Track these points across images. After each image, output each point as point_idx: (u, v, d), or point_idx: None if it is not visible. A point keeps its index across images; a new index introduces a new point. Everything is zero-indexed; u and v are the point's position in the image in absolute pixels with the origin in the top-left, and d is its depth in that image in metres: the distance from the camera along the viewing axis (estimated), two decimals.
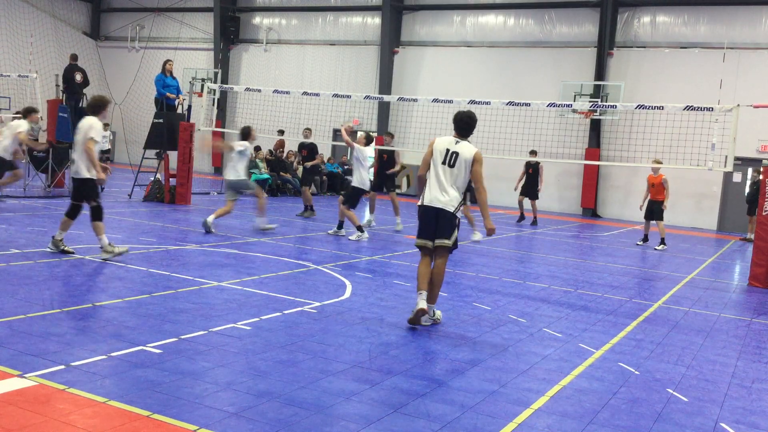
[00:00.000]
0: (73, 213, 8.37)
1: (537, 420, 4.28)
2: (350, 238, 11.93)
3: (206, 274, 7.87)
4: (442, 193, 6.37)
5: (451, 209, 6.35)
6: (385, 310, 6.82)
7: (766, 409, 4.90)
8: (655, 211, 14.67)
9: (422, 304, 6.32)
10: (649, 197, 14.79)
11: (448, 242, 6.37)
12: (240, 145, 11.88)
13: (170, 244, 9.80)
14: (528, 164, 17.79)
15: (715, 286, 10.32)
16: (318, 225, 13.74)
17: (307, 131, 16.24)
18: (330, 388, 4.49)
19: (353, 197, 12.25)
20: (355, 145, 12.58)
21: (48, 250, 8.31)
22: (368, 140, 12.85)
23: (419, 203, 6.57)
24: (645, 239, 15.19)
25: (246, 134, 12.16)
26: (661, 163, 14.70)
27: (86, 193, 8.28)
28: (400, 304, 7.14)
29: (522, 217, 18.07)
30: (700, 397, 4.99)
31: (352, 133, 14.28)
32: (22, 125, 12.85)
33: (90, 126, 8.16)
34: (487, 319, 6.84)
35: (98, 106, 8.38)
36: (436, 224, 6.38)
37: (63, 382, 4.18)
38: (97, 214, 8.22)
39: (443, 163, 6.43)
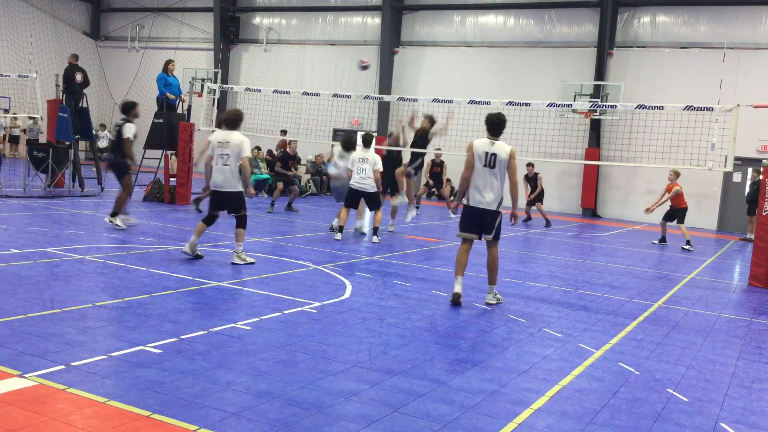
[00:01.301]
0: (210, 221, 8.85)
1: (537, 420, 4.28)
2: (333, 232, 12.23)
3: (206, 274, 7.87)
4: (486, 194, 7.29)
5: (494, 208, 7.31)
6: (385, 310, 6.82)
7: (766, 409, 4.90)
8: (676, 215, 15.26)
9: (458, 288, 7.28)
10: (670, 203, 15.32)
11: (490, 237, 7.36)
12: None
13: (170, 244, 9.79)
14: (526, 177, 18.21)
15: (715, 286, 10.32)
16: (318, 225, 13.73)
17: (295, 143, 17.18)
18: (330, 388, 4.49)
19: (348, 197, 12.11)
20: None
21: (235, 263, 8.62)
22: (365, 142, 12.13)
23: (465, 203, 7.50)
24: (663, 240, 15.66)
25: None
26: (679, 174, 15.03)
27: (238, 204, 8.74)
28: (400, 304, 7.14)
29: (529, 217, 18.52)
30: (700, 397, 4.99)
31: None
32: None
33: (242, 142, 8.58)
34: (487, 319, 6.84)
35: (237, 120, 8.76)
36: (480, 221, 7.34)
37: (63, 382, 4.18)
38: (243, 223, 8.79)
39: (485, 165, 7.27)
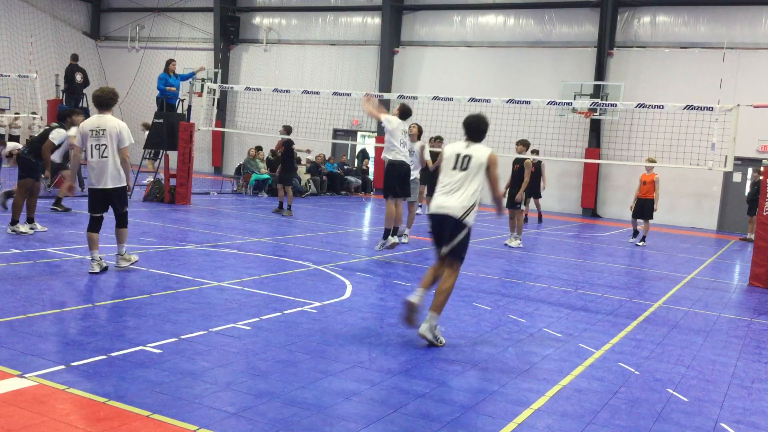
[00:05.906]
0: (97, 226, 7.63)
1: (537, 420, 4.28)
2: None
3: (206, 274, 7.87)
4: (449, 198, 5.91)
5: (458, 215, 5.82)
6: (385, 310, 6.82)
7: (766, 409, 4.90)
8: (645, 209, 14.87)
9: (412, 296, 5.85)
10: (638, 195, 14.98)
11: (446, 250, 5.87)
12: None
13: (170, 244, 9.79)
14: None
15: (715, 286, 10.32)
16: (318, 225, 13.74)
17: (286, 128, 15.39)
18: (330, 388, 4.49)
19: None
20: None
21: (122, 266, 7.71)
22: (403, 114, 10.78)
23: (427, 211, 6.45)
24: (636, 234, 15.39)
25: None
26: (655, 161, 14.79)
27: (122, 200, 7.73)
28: (399, 304, 7.13)
29: (540, 217, 18.45)
30: (700, 397, 4.99)
31: None
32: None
33: (120, 129, 7.64)
34: (487, 319, 6.84)
35: (111, 100, 7.68)
36: (441, 231, 5.92)
37: (63, 382, 4.18)
38: (124, 222, 7.78)
39: (454, 168, 6.00)
